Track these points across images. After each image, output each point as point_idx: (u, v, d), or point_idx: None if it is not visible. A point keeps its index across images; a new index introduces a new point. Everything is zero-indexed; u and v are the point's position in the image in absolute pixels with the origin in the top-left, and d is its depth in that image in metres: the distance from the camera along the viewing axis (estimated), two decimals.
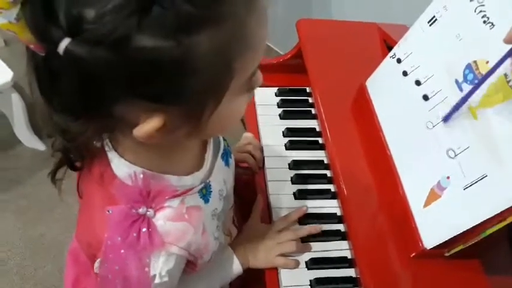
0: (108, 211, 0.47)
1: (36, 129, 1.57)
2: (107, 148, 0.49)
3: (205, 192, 0.55)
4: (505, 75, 0.54)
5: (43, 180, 1.49)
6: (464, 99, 0.57)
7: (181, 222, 0.50)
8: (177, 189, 0.51)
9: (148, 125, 0.39)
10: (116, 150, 0.49)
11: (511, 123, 0.53)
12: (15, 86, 1.42)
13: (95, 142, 0.49)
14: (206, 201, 0.56)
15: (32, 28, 0.34)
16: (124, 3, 0.32)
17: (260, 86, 0.98)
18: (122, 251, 0.47)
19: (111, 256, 0.48)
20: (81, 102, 0.37)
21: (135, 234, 0.47)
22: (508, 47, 0.51)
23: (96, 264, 0.50)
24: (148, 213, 0.48)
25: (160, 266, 0.49)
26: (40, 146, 1.59)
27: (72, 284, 0.78)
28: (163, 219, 0.49)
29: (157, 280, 0.49)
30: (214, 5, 0.35)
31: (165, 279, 0.50)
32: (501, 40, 0.52)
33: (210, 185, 0.56)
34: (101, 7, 0.32)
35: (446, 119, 0.60)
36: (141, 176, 0.48)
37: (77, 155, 0.50)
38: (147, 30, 0.33)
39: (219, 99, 0.39)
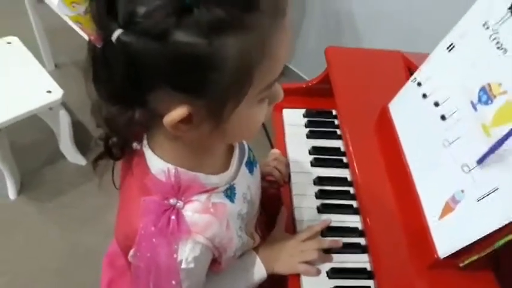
0: (144, 200, 0.53)
1: (80, 145, 1.68)
2: (144, 146, 0.56)
3: (229, 193, 0.61)
4: None
5: (84, 193, 1.62)
6: (499, 143, 0.58)
7: (207, 214, 0.55)
8: (205, 186, 0.56)
9: (175, 114, 0.45)
10: (152, 149, 0.55)
11: None
12: (64, 104, 1.52)
13: (135, 144, 0.56)
14: (231, 201, 0.61)
15: (95, 20, 0.42)
16: (166, 3, 0.39)
17: (289, 108, 1.04)
18: (154, 239, 0.53)
19: (144, 244, 0.53)
20: (124, 87, 0.44)
21: (165, 221, 0.52)
22: None
23: (131, 253, 0.55)
24: (178, 204, 0.53)
25: (187, 252, 0.54)
26: (82, 161, 1.70)
27: (107, 286, 0.83)
28: (191, 210, 0.54)
29: (183, 265, 0.54)
30: (244, 15, 0.41)
31: (191, 265, 0.54)
32: None
33: (234, 187, 0.62)
34: (149, 5, 0.39)
35: (480, 161, 0.60)
36: (173, 171, 0.54)
37: (118, 150, 0.57)
38: (184, 28, 0.39)
39: (238, 100, 0.45)
